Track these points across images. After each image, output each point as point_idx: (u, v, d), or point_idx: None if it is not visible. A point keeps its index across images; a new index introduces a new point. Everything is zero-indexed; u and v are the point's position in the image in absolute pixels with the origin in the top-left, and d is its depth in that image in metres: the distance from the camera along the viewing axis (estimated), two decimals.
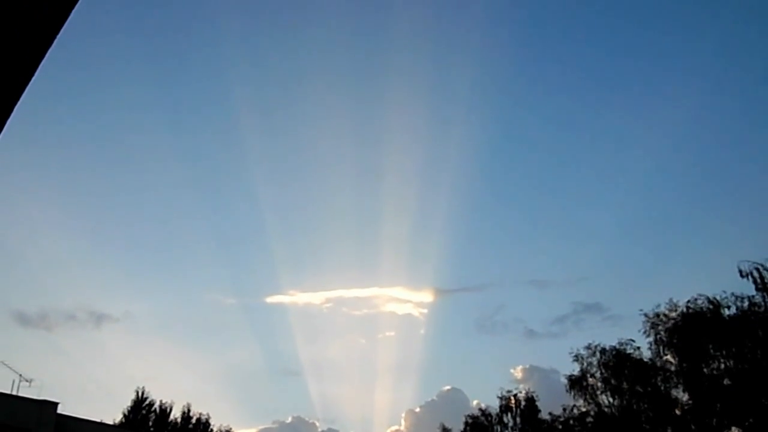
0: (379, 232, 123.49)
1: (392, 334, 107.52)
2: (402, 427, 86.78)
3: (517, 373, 76.68)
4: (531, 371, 74.97)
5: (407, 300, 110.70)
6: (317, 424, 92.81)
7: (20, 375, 33.57)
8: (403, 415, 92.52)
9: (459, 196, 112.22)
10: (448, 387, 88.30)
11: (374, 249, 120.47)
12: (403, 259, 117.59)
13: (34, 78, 3.60)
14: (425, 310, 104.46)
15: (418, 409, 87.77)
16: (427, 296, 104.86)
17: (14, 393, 32.37)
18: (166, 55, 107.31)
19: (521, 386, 70.35)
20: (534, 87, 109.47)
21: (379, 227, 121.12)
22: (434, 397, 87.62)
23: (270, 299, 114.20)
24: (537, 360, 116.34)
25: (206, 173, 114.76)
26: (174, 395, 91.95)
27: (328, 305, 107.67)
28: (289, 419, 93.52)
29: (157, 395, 58.84)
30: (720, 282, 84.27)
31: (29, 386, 33.58)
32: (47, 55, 3.68)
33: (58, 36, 3.70)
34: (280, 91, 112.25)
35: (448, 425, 61.44)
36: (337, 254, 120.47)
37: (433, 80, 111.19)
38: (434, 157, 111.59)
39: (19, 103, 3.56)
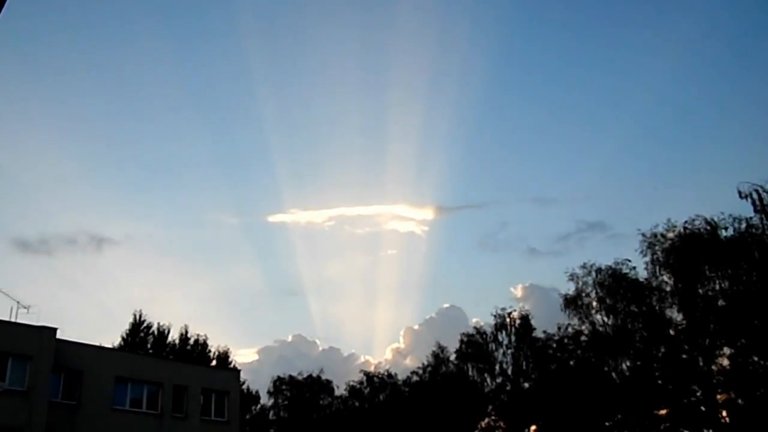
0: (382, 149, 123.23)
1: (394, 252, 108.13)
2: (401, 345, 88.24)
3: (518, 291, 77.54)
4: (531, 290, 75.69)
5: (410, 218, 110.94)
6: (318, 342, 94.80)
7: (18, 302, 33.38)
8: (401, 332, 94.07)
9: (462, 113, 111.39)
10: (447, 305, 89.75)
11: (377, 166, 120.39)
12: (406, 175, 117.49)
13: None
14: (427, 228, 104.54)
15: (417, 327, 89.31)
16: (429, 214, 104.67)
17: (12, 320, 32.27)
18: None
19: (521, 304, 71.19)
20: (537, 10, 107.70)
21: (382, 144, 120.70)
22: (433, 315, 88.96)
23: (272, 218, 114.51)
24: (539, 278, 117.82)
25: (208, 92, 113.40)
26: (175, 317, 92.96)
27: (330, 223, 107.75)
28: (290, 338, 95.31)
29: (158, 317, 59.29)
30: (720, 203, 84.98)
31: (27, 313, 33.45)
32: None
33: None
34: (284, 7, 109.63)
35: (446, 343, 62.48)
36: (340, 171, 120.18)
37: (437, 1, 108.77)
38: (437, 74, 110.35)
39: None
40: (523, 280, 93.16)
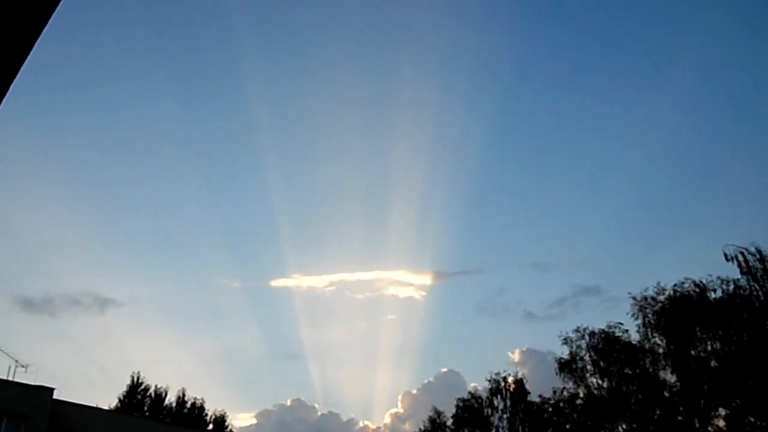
0: (383, 217, 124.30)
1: (393, 317, 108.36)
2: (400, 409, 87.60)
3: (515, 355, 77.22)
4: (528, 354, 75.47)
5: (409, 283, 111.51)
6: (317, 407, 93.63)
7: (16, 361, 33.95)
8: (399, 397, 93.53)
9: (460, 181, 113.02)
10: (445, 369, 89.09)
11: (377, 233, 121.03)
12: (406, 242, 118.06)
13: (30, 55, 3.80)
14: (426, 293, 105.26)
15: (415, 392, 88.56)
16: (428, 279, 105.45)
17: (10, 378, 32.76)
18: (178, 45, 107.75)
19: (518, 369, 71.26)
20: (533, 79, 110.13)
21: (383, 212, 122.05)
22: (431, 379, 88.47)
23: (274, 282, 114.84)
24: (536, 342, 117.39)
25: (212, 157, 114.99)
26: (175, 379, 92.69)
27: (331, 288, 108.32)
28: (289, 402, 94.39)
29: (157, 380, 59.62)
30: (707, 265, 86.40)
31: (25, 372, 33.96)
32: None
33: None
34: (289, 77, 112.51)
35: (444, 407, 62.06)
36: (341, 238, 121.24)
37: (437, 71, 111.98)
38: (436, 142, 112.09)
39: (16, 78, 3.75)
40: (521, 344, 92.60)
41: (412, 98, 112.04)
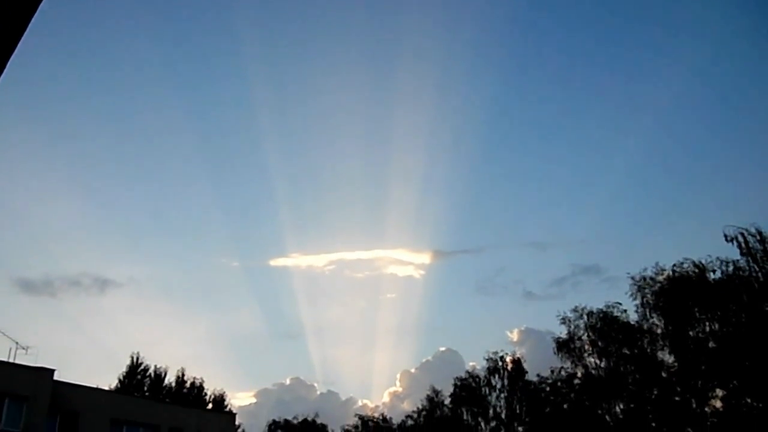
0: (382, 196, 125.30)
1: (393, 296, 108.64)
2: (398, 388, 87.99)
3: (513, 335, 77.58)
4: (527, 333, 75.82)
5: (408, 262, 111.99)
6: (316, 385, 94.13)
7: (17, 342, 33.87)
8: (398, 376, 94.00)
9: (460, 162, 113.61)
10: (444, 348, 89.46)
11: (377, 212, 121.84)
12: (405, 221, 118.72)
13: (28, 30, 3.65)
14: (425, 272, 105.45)
15: (413, 371, 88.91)
16: (427, 258, 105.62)
17: (11, 360, 32.70)
18: (181, 31, 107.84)
19: (516, 348, 71.56)
20: (533, 61, 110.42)
21: (382, 191, 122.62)
22: (430, 358, 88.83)
23: (273, 262, 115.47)
24: (535, 322, 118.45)
25: (211, 138, 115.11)
26: (175, 359, 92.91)
27: (330, 267, 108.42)
28: (288, 381, 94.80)
29: (157, 360, 59.95)
30: (708, 246, 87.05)
31: (26, 354, 33.89)
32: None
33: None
34: (290, 57, 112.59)
35: (442, 386, 62.30)
36: (341, 217, 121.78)
37: (437, 53, 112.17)
38: (436, 122, 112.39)
39: (14, 55, 3.62)
40: (520, 324, 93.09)
41: (412, 79, 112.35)
